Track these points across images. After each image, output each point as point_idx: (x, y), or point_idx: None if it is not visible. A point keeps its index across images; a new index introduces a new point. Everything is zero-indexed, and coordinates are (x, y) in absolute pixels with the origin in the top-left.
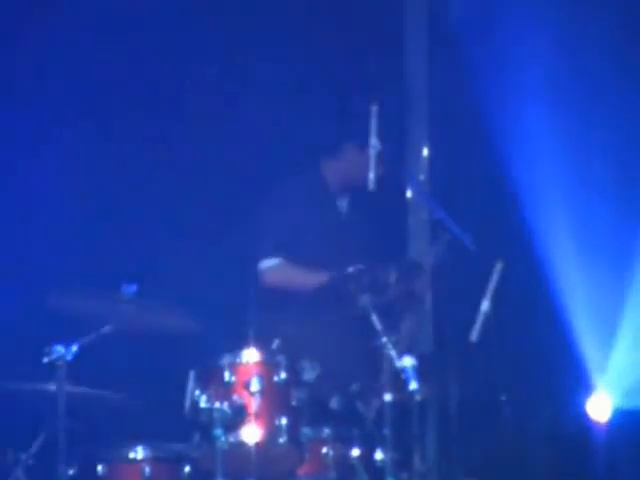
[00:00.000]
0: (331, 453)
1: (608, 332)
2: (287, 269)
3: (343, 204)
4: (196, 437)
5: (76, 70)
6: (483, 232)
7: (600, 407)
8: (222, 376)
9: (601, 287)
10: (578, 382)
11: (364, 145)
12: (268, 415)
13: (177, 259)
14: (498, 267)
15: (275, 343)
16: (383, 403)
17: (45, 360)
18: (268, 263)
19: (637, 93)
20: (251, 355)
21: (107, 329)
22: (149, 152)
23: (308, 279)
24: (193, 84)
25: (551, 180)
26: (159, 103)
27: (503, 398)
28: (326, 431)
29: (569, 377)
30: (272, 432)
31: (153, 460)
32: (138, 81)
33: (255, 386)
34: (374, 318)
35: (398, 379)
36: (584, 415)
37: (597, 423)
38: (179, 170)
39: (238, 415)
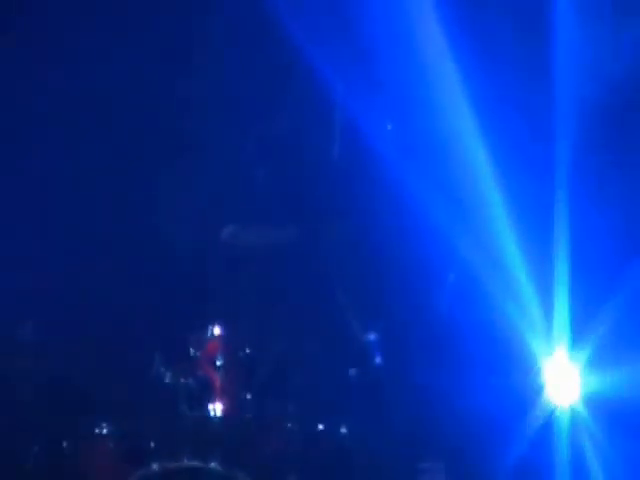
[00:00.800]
0: (296, 428)
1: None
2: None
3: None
4: (161, 412)
5: None
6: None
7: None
8: (187, 351)
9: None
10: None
11: None
12: (233, 390)
13: (143, 234)
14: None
15: (240, 318)
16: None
17: None
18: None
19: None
20: (216, 330)
21: None
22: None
23: (267, 236)
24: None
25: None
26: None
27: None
28: (291, 406)
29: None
30: (237, 407)
31: (118, 435)
32: None
33: (220, 361)
34: (338, 292)
35: (362, 353)
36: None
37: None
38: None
39: (203, 390)
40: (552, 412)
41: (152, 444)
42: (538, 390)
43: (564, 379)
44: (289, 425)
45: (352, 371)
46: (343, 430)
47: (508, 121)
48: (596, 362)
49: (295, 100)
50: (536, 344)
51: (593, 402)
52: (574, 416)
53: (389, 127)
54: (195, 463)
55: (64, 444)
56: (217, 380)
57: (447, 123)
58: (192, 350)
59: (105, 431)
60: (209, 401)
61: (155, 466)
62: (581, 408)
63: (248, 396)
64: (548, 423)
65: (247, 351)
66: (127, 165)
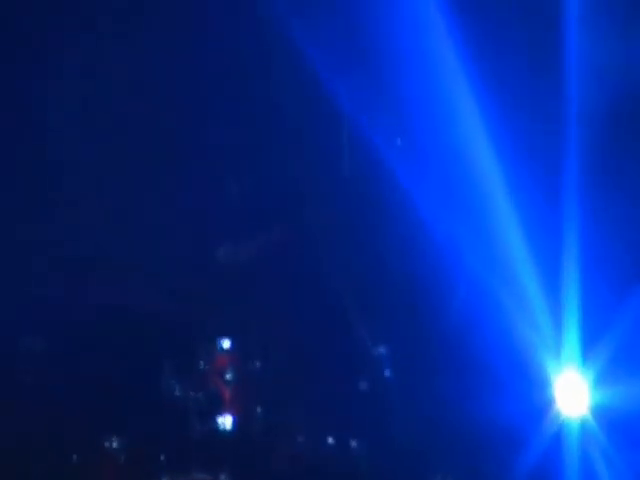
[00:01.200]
0: (306, 441)
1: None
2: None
3: None
4: (171, 425)
5: None
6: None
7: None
8: (197, 365)
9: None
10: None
11: None
12: (243, 404)
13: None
14: None
15: (250, 331)
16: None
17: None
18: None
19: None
20: (225, 344)
21: None
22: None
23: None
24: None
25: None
26: None
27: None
28: (301, 418)
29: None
30: (247, 421)
31: (128, 449)
32: None
33: (230, 375)
34: (348, 304)
35: (373, 366)
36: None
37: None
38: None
39: (213, 404)
40: (562, 424)
41: (162, 457)
42: (548, 403)
43: (574, 392)
44: (298, 438)
45: (362, 384)
46: (353, 443)
47: (520, 132)
48: (605, 376)
49: (303, 110)
50: (546, 358)
51: (602, 414)
52: (584, 428)
53: (399, 140)
54: (204, 476)
55: (74, 457)
56: (226, 394)
57: (457, 134)
58: (202, 364)
59: (115, 444)
60: (219, 415)
61: (165, 479)
62: (590, 420)
63: (257, 410)
64: (558, 435)
65: (256, 365)
66: (133, 173)
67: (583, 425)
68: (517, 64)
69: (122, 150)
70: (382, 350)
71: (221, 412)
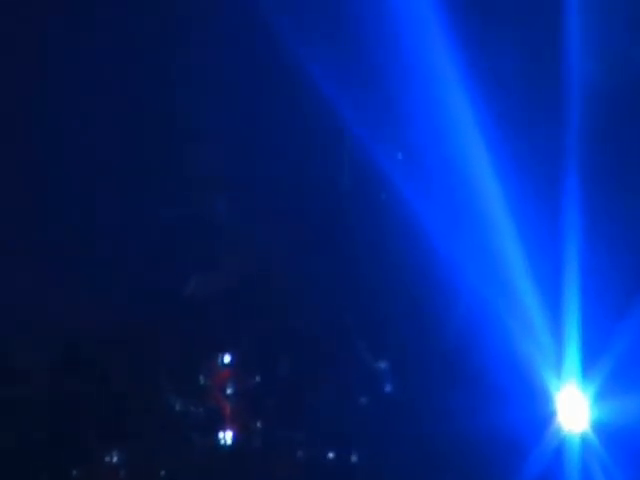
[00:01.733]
0: (306, 456)
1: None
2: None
3: None
4: (171, 441)
5: None
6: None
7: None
8: (197, 380)
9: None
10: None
11: None
12: (243, 418)
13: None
14: None
15: (250, 345)
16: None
17: None
18: None
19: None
20: (226, 358)
21: None
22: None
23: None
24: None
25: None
26: None
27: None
28: (301, 433)
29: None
30: (247, 435)
31: (128, 463)
32: None
33: (230, 389)
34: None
35: (374, 381)
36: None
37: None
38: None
39: (213, 419)
40: (563, 439)
41: (162, 472)
42: (550, 417)
43: (575, 407)
44: (299, 453)
45: (363, 399)
46: (354, 457)
47: (521, 146)
48: (606, 390)
49: (303, 124)
50: (548, 373)
51: (602, 429)
52: (584, 442)
53: (400, 155)
54: None
55: (75, 472)
56: (227, 409)
57: (458, 145)
58: (202, 379)
59: (116, 459)
60: (219, 430)
61: None
62: (591, 435)
63: (258, 425)
64: (559, 449)
65: (257, 380)
66: (134, 185)
67: (584, 439)
68: (516, 71)
69: (120, 159)
70: (384, 365)
71: (222, 427)
